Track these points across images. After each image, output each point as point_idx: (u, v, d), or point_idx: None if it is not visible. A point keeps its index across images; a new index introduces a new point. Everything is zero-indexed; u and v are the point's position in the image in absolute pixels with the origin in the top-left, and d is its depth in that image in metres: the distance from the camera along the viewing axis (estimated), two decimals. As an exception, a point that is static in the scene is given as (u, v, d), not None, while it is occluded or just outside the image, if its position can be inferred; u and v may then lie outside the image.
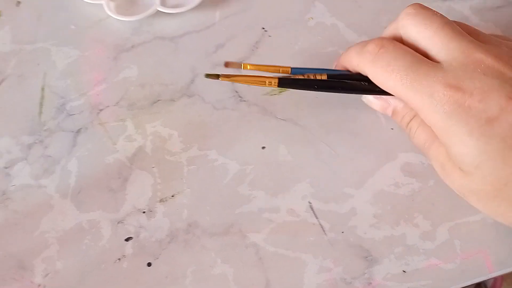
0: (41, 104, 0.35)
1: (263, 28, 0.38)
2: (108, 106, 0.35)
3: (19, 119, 0.34)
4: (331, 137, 0.33)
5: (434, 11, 0.27)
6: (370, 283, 0.28)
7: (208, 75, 0.30)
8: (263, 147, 0.32)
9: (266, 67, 0.32)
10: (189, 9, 0.38)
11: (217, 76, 0.30)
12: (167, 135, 0.33)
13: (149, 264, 0.29)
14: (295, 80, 0.31)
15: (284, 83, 0.31)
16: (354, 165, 0.31)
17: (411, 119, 0.29)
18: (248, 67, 0.32)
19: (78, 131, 0.34)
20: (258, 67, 0.32)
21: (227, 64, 0.32)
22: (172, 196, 0.31)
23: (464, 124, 0.24)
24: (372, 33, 0.36)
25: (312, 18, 0.38)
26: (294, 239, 0.29)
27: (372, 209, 0.30)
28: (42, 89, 0.36)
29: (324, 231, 0.29)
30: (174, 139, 0.33)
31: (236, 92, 0.35)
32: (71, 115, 0.34)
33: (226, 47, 0.37)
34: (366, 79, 0.29)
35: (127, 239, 0.30)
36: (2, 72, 0.36)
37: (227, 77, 0.30)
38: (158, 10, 0.38)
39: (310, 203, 0.30)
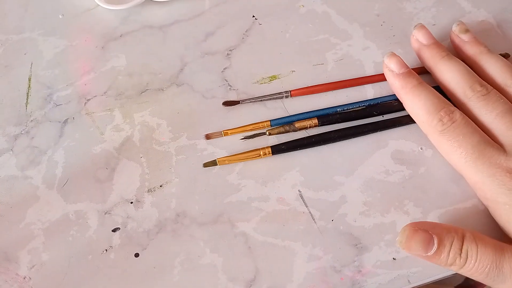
0: (27, 95, 0.34)
1: (254, 16, 0.37)
2: (95, 96, 0.34)
3: (5, 109, 0.34)
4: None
5: (500, 95, 0.29)
6: (360, 270, 0.28)
7: (206, 164, 0.31)
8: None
9: (245, 127, 0.32)
10: (178, -3, 0.37)
11: (215, 163, 0.31)
12: (155, 125, 0.33)
13: (136, 255, 0.28)
14: (288, 144, 0.31)
15: (277, 150, 0.31)
16: (345, 153, 0.31)
17: (463, 243, 0.26)
18: (229, 133, 0.32)
19: (65, 122, 0.33)
20: (237, 130, 0.32)
21: (208, 136, 0.32)
22: (161, 186, 0.31)
23: None
24: (364, 21, 0.36)
25: (303, 6, 0.37)
26: (284, 228, 0.29)
27: (362, 196, 0.30)
28: (29, 79, 0.35)
29: (313, 219, 0.29)
30: (163, 128, 0.33)
31: (226, 80, 0.34)
32: (58, 105, 0.34)
33: (216, 35, 0.36)
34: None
35: (114, 230, 0.29)
36: (-13, 62, 0.36)
37: (223, 161, 0.31)
38: (146, -1, 0.37)
39: (300, 191, 0.30)
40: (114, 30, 0.37)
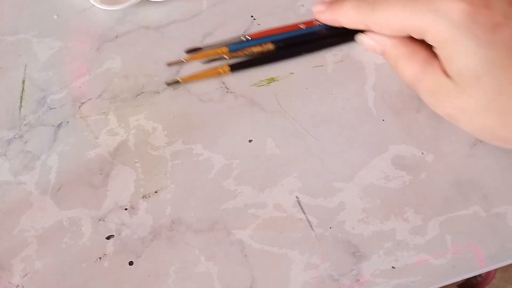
0: (21, 98, 0.34)
1: (252, 16, 0.36)
2: (90, 99, 0.33)
3: (-1, 113, 0.33)
4: (321, 130, 0.31)
5: None
6: (358, 279, 0.27)
7: (169, 83, 0.33)
8: (250, 140, 0.31)
9: (207, 53, 0.34)
10: (174, -3, 0.37)
11: (177, 82, 0.33)
12: (150, 129, 0.32)
13: (131, 263, 0.28)
14: (245, 63, 0.33)
15: (236, 67, 0.33)
16: (344, 158, 0.30)
17: (400, 56, 0.29)
18: (190, 59, 0.34)
19: (59, 125, 0.33)
20: (199, 56, 0.34)
21: (170, 64, 0.34)
22: (156, 192, 0.30)
23: (471, 31, 0.24)
24: (364, 21, 0.35)
25: (303, 5, 0.37)
26: (281, 235, 0.28)
27: (361, 203, 0.29)
28: (23, 81, 0.35)
29: (311, 226, 0.29)
30: (158, 132, 0.32)
31: (223, 83, 0.34)
32: (52, 108, 0.33)
33: (214, 36, 0.36)
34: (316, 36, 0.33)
35: (108, 237, 0.29)
36: (-19, 65, 0.35)
37: (186, 80, 0.33)
38: (142, -1, 0.37)
39: (297, 198, 0.29)
40: (110, 31, 0.36)
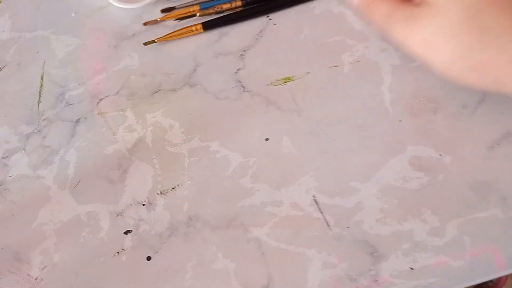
0: (40, 93, 0.34)
1: (268, 16, 0.36)
2: (108, 96, 0.34)
3: (18, 108, 0.34)
4: (337, 129, 0.31)
5: None
6: (376, 280, 0.27)
7: (146, 43, 0.35)
8: (267, 139, 0.31)
9: (179, 12, 0.36)
10: (192, -4, 0.37)
11: (153, 41, 0.35)
12: (168, 126, 0.32)
13: (148, 258, 0.28)
14: (217, 20, 0.35)
15: (208, 26, 0.35)
16: (361, 158, 0.30)
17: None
18: (164, 18, 0.36)
19: (77, 121, 0.33)
20: (172, 15, 0.36)
21: (146, 23, 0.36)
22: (173, 188, 0.30)
23: None
24: (381, 22, 0.35)
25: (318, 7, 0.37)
26: (298, 234, 0.28)
27: (378, 203, 0.29)
28: (41, 77, 0.35)
29: (328, 226, 0.29)
30: (175, 129, 0.32)
31: (239, 82, 0.34)
32: (70, 104, 0.34)
33: (229, 35, 0.36)
34: None
35: (126, 232, 0.29)
36: (1, 60, 0.36)
37: (162, 39, 0.35)
38: (160, -3, 0.37)
39: (314, 197, 0.29)
40: (127, 29, 0.37)
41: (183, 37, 0.35)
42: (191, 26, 0.35)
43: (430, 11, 0.25)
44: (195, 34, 0.35)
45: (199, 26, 0.35)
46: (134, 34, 0.36)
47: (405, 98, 0.32)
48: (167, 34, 0.35)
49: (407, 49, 0.27)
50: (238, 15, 0.35)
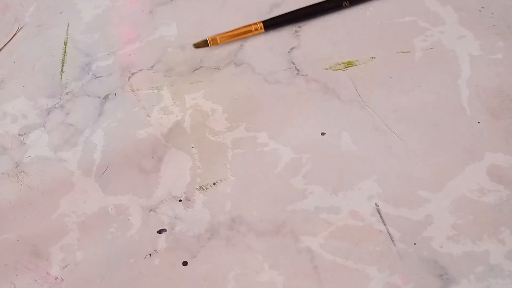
0: (63, 62, 0.30)
1: (327, -12, 0.31)
2: (141, 70, 0.29)
3: (37, 77, 0.30)
4: (405, 127, 0.27)
5: None
6: (447, 308, 0.24)
7: (196, 45, 0.29)
8: (323, 133, 0.27)
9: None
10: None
11: (206, 43, 0.29)
12: (209, 110, 0.28)
13: (185, 263, 0.25)
14: (281, 18, 0.30)
15: (269, 24, 0.30)
16: (432, 163, 0.26)
17: None
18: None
19: (106, 97, 0.29)
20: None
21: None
22: (214, 183, 0.26)
23: None
24: (460, 4, 0.30)
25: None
26: (357, 248, 0.25)
27: (451, 218, 0.25)
28: (65, 43, 0.31)
29: (392, 240, 0.25)
30: (218, 115, 0.28)
31: (293, 63, 0.29)
32: (97, 77, 0.29)
33: (282, 7, 0.31)
34: None
35: (160, 231, 0.25)
36: (19, 19, 0.31)
37: (216, 41, 0.29)
38: (204, -43, 0.32)
39: (377, 205, 0.26)
40: (164, -8, 0.32)
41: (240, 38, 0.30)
42: (251, 25, 0.30)
43: None
44: (255, 35, 0.30)
45: (260, 25, 0.30)
46: (172, -1, 0.32)
47: (486, 95, 0.28)
48: (223, 33, 0.30)
49: None
50: (303, 13, 0.30)
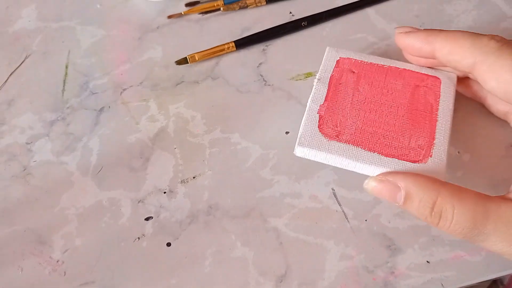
0: (64, 82, 0.35)
1: (291, 13, 0.37)
2: (131, 86, 0.34)
3: (42, 95, 0.34)
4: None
5: None
6: (393, 272, 0.27)
7: (178, 62, 0.34)
8: (287, 132, 0.32)
9: (203, 6, 0.37)
10: (216, -9, 0.37)
11: (186, 60, 0.34)
12: (189, 117, 0.33)
13: (168, 244, 0.29)
14: (249, 38, 0.35)
15: (240, 43, 0.35)
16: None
17: (436, 201, 0.24)
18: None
19: (101, 110, 0.33)
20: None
21: (170, 17, 0.37)
22: (194, 177, 0.31)
23: None
24: (403, 21, 0.36)
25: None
26: (316, 226, 0.29)
27: (397, 198, 0.29)
28: (66, 66, 0.36)
29: (347, 218, 0.29)
30: (197, 121, 0.33)
31: (261, 76, 0.34)
32: (94, 93, 0.34)
33: (252, 30, 0.36)
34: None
35: (147, 219, 0.29)
36: (27, 49, 0.36)
37: (194, 58, 0.34)
38: (184, -8, 0.38)
39: (333, 190, 0.30)
40: (151, 21, 0.37)
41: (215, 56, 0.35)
42: (224, 44, 0.35)
43: None
44: (228, 52, 0.35)
45: (232, 45, 0.35)
46: (158, 27, 0.37)
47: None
48: (200, 52, 0.34)
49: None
50: (269, 33, 0.35)
